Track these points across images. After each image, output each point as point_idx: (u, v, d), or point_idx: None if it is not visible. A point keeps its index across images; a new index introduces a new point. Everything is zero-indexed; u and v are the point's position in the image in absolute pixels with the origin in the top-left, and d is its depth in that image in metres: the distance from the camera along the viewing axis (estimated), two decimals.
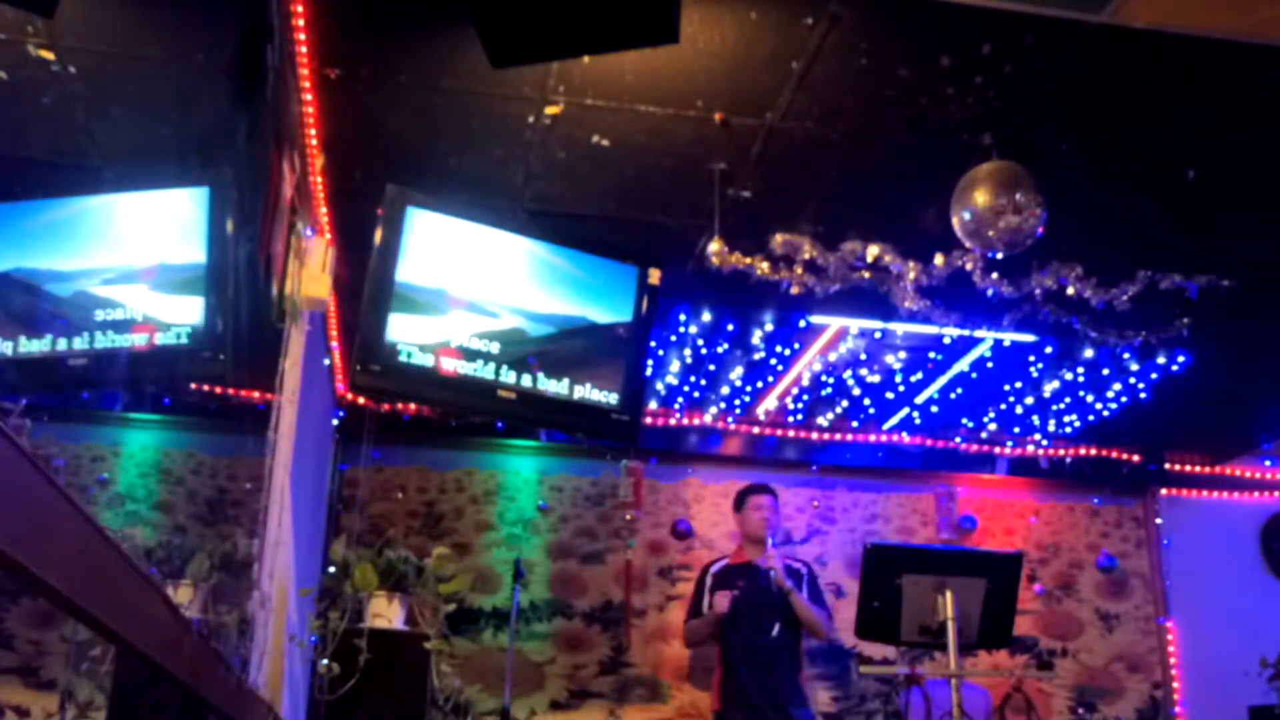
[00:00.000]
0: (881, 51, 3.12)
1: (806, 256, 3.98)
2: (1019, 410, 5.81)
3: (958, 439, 6.21)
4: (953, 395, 5.63)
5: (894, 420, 6.03)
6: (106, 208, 2.80)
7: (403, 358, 3.33)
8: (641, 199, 3.87)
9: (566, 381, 3.52)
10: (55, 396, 2.99)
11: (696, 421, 5.96)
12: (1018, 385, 5.52)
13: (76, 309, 2.67)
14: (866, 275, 4.10)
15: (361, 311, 3.35)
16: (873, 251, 4.00)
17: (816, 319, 4.76)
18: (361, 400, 5.23)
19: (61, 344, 2.67)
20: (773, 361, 5.27)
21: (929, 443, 6.21)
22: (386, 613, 3.71)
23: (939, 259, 4.00)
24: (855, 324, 4.80)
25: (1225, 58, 3.10)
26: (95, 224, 2.77)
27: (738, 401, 5.79)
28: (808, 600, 5.04)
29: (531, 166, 3.67)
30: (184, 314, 2.69)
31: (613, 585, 5.82)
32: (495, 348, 3.44)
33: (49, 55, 2.86)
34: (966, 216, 3.43)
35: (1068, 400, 5.67)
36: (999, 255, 3.55)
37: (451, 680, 3.93)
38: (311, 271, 3.34)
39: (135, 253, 2.74)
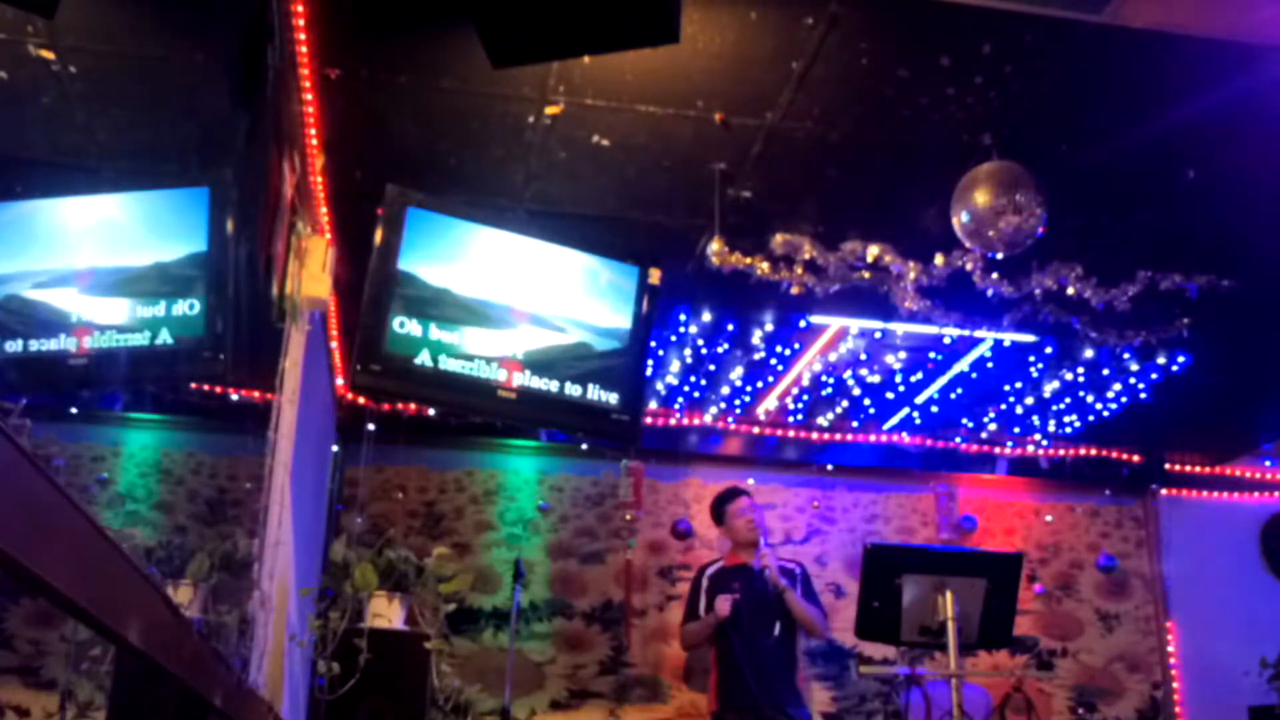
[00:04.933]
0: (881, 51, 3.12)
1: (806, 256, 3.98)
2: (1019, 410, 5.81)
3: (958, 439, 6.21)
4: (953, 395, 5.63)
5: (894, 420, 6.03)
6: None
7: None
8: (641, 199, 3.87)
9: (567, 382, 3.52)
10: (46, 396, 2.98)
11: (696, 421, 5.96)
12: (1018, 385, 5.52)
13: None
14: (866, 275, 4.10)
15: (362, 312, 3.35)
16: (873, 251, 4.00)
17: (816, 319, 4.76)
18: (362, 400, 5.23)
19: None
20: (773, 361, 5.27)
21: (929, 443, 6.21)
22: (386, 613, 3.72)
23: (939, 259, 4.00)
24: (855, 324, 4.80)
25: (1225, 58, 3.10)
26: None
27: (738, 401, 5.79)
28: (802, 599, 5.03)
29: (531, 166, 3.67)
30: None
31: (613, 585, 5.82)
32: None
33: (49, 55, 2.86)
34: (966, 217, 3.43)
35: (1068, 400, 5.67)
36: (999, 255, 3.55)
37: (451, 680, 3.94)
38: (311, 271, 3.34)
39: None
